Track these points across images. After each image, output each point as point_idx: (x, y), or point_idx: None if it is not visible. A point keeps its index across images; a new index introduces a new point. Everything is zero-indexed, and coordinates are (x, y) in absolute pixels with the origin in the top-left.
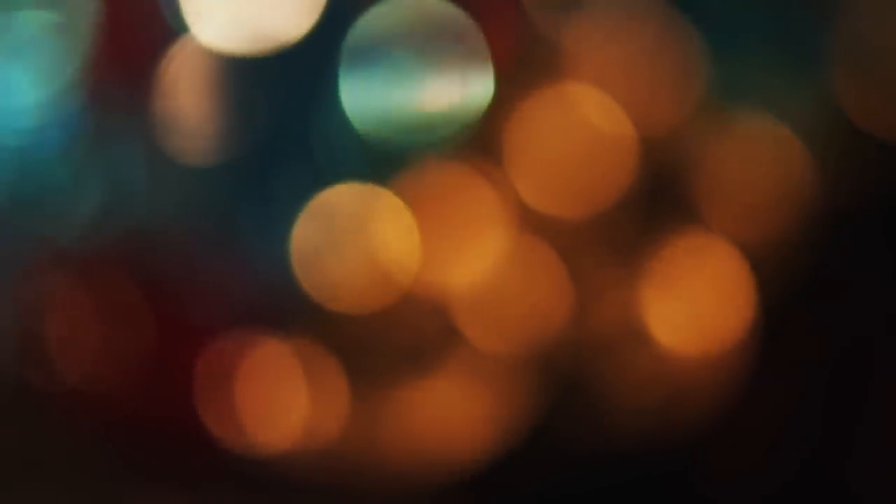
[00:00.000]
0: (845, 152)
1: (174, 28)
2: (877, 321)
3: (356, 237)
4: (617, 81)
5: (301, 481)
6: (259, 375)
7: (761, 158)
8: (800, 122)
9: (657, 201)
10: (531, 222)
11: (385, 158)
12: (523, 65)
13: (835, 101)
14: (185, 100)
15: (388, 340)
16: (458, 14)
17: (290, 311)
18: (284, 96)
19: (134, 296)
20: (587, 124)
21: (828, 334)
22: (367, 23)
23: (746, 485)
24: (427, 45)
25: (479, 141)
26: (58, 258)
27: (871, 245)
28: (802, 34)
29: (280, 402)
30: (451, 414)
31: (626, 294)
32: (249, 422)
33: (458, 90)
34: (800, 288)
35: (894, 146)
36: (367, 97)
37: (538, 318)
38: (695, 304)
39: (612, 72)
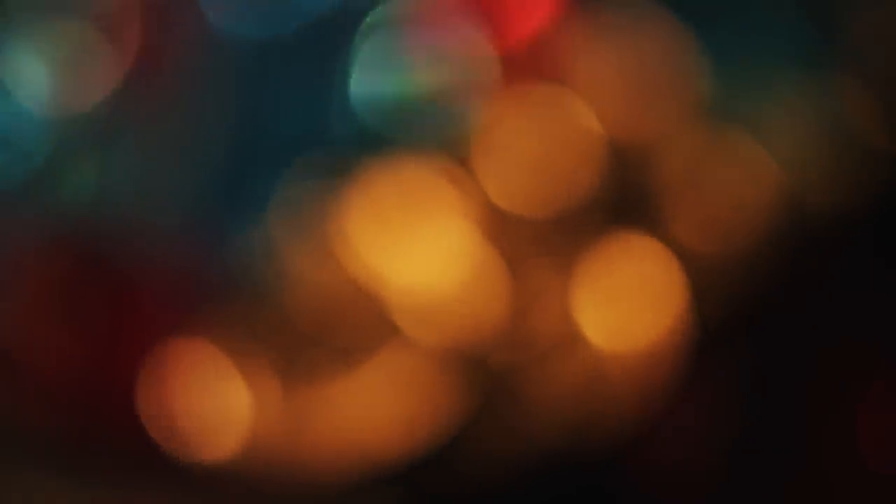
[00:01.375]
0: (815, 168)
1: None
2: (814, 329)
3: (317, 232)
4: (595, 85)
5: (236, 478)
6: (197, 374)
7: (730, 169)
8: (774, 135)
9: (611, 207)
10: (482, 221)
11: (351, 152)
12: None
13: (811, 115)
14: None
15: (327, 336)
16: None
17: (239, 301)
18: (271, 90)
19: (85, 287)
20: (558, 125)
21: (763, 343)
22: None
23: (676, 486)
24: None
25: (447, 137)
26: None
27: (820, 257)
28: (787, 44)
29: (217, 400)
30: (382, 411)
31: (563, 297)
32: (186, 421)
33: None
34: (744, 296)
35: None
36: (364, 91)
37: (476, 317)
38: (630, 308)
39: (593, 75)
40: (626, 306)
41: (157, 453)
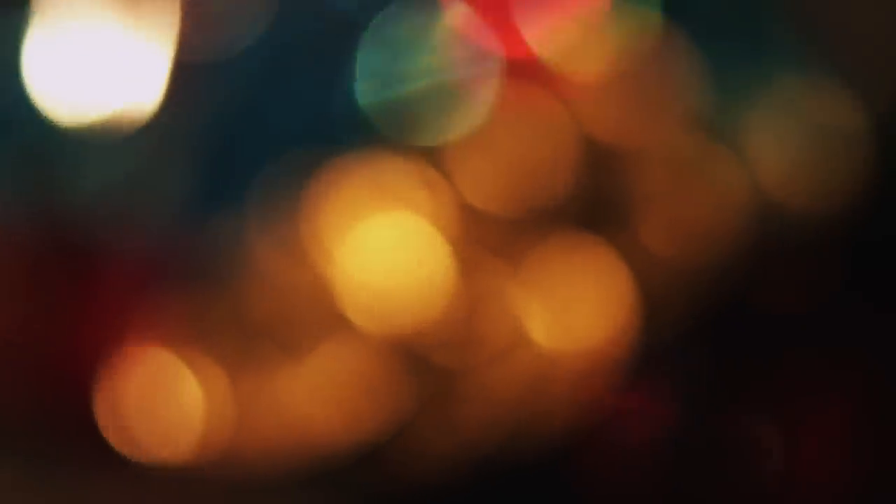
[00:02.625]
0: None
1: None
2: (765, 334)
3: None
4: (580, 88)
5: (186, 473)
6: (151, 370)
7: (707, 176)
8: (754, 143)
9: (577, 211)
10: (444, 219)
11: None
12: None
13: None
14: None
15: (280, 331)
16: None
17: (199, 295)
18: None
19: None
20: (536, 126)
21: (716, 350)
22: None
23: (619, 486)
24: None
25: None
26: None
27: (786, 268)
28: (773, 49)
29: (170, 397)
30: (330, 407)
31: (513, 298)
32: (138, 417)
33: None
34: (703, 303)
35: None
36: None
37: (427, 315)
38: (578, 311)
39: (579, 78)
40: (575, 309)
41: (109, 448)
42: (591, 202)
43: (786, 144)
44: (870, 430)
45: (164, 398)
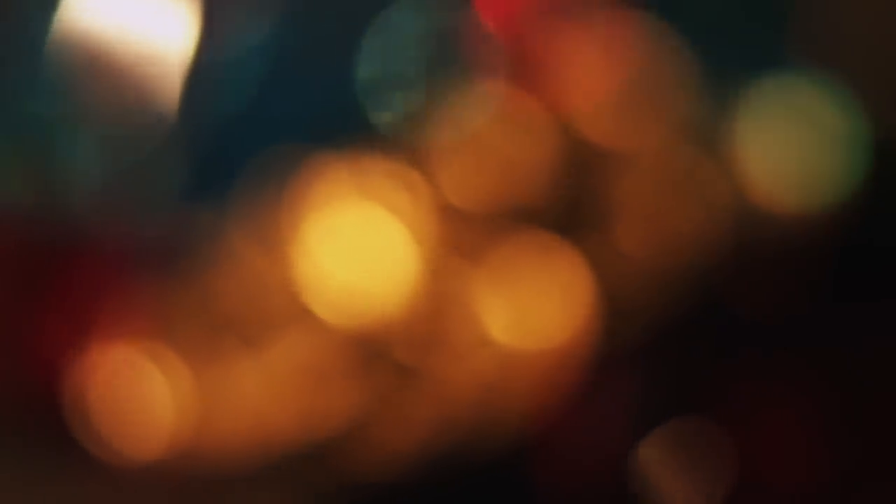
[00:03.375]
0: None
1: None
2: (735, 338)
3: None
4: (567, 89)
5: (150, 470)
6: (117, 366)
7: (689, 181)
8: (739, 150)
9: (550, 212)
10: (415, 217)
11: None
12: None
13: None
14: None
15: (243, 325)
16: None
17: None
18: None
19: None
20: (519, 126)
21: (681, 354)
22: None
23: (579, 485)
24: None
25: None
26: None
27: (757, 275)
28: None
29: (136, 393)
30: (289, 402)
31: (476, 295)
32: (104, 413)
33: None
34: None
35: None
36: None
37: (390, 311)
38: (540, 309)
39: (566, 80)
40: (538, 309)
41: (77, 446)
42: (568, 204)
43: (773, 147)
44: (837, 432)
45: (134, 396)
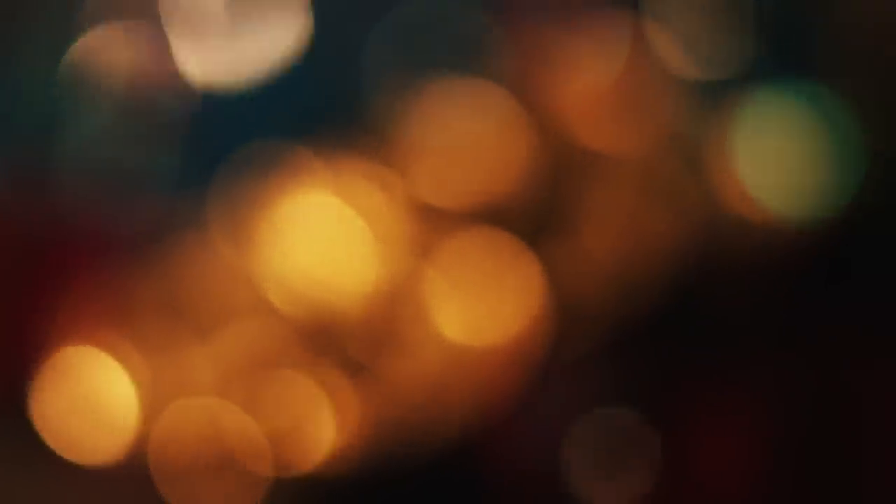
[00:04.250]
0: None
1: None
2: (690, 342)
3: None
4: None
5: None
6: (86, 367)
7: (664, 187)
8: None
9: (511, 212)
10: (377, 214)
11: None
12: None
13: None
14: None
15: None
16: None
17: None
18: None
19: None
20: (492, 124)
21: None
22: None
23: (527, 481)
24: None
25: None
26: None
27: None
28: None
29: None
30: (237, 391)
31: (427, 291)
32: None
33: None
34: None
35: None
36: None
37: (344, 305)
38: (492, 307)
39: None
40: (490, 307)
41: (41, 442)
42: (541, 206)
43: (758, 156)
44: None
45: (96, 393)
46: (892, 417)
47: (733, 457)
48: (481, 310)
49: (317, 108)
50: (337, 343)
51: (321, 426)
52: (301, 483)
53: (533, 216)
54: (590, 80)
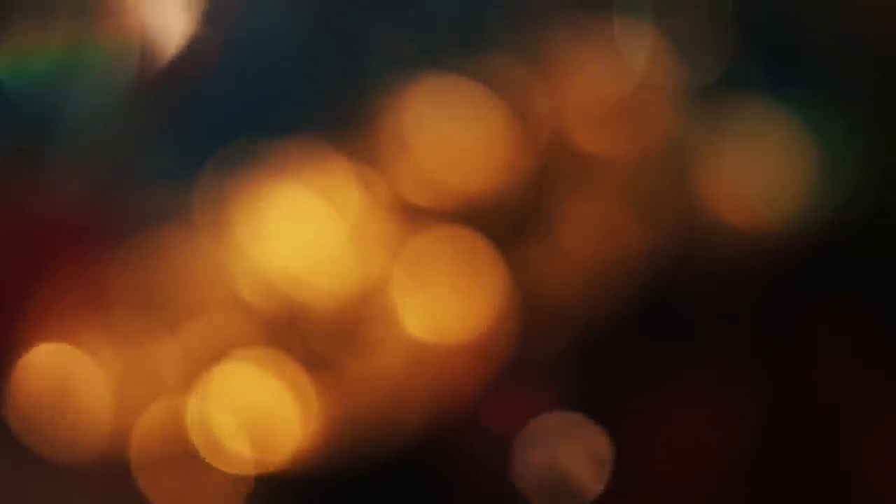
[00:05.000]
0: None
1: None
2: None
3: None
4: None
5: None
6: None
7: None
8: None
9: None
10: (348, 205)
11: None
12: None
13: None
14: None
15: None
16: None
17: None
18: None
19: None
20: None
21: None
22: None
23: (488, 479)
24: None
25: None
26: None
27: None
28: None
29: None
30: (199, 384)
31: (392, 289)
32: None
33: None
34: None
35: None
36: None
37: (307, 299)
38: (455, 305)
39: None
40: (455, 303)
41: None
42: (515, 206)
43: (740, 164)
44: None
45: (69, 389)
46: (863, 421)
47: (699, 458)
48: (448, 308)
49: (301, 104)
50: (304, 339)
51: (286, 423)
52: (265, 479)
53: (510, 217)
54: (577, 83)
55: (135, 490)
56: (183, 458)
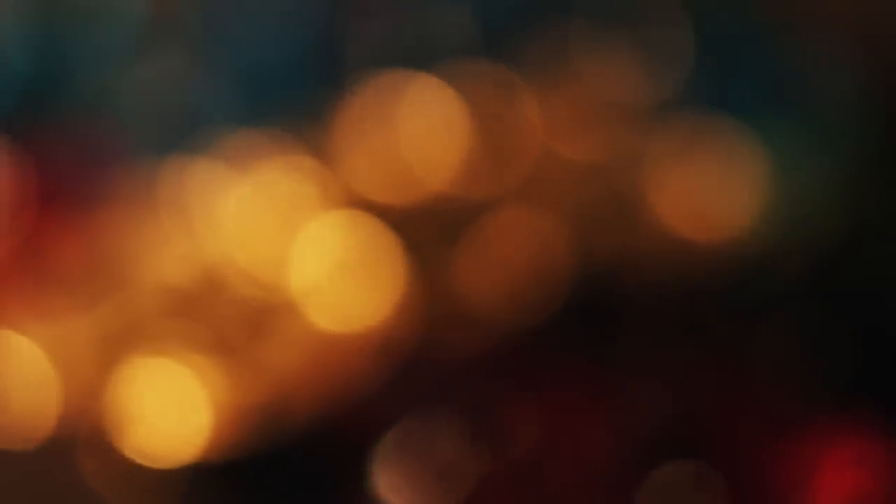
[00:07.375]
0: None
1: None
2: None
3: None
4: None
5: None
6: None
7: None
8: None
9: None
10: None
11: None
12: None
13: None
14: None
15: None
16: None
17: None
18: None
19: None
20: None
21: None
22: None
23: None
24: None
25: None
26: None
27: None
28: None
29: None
30: (113, 370)
31: (299, 279)
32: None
33: None
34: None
35: None
36: None
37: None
38: (362, 292)
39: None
40: (363, 295)
41: None
42: (448, 207)
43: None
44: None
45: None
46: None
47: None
48: (356, 300)
49: (258, 95)
50: (210, 326)
51: (191, 411)
52: (169, 467)
53: (443, 218)
54: (537, 92)
55: (55, 470)
56: (96, 441)
